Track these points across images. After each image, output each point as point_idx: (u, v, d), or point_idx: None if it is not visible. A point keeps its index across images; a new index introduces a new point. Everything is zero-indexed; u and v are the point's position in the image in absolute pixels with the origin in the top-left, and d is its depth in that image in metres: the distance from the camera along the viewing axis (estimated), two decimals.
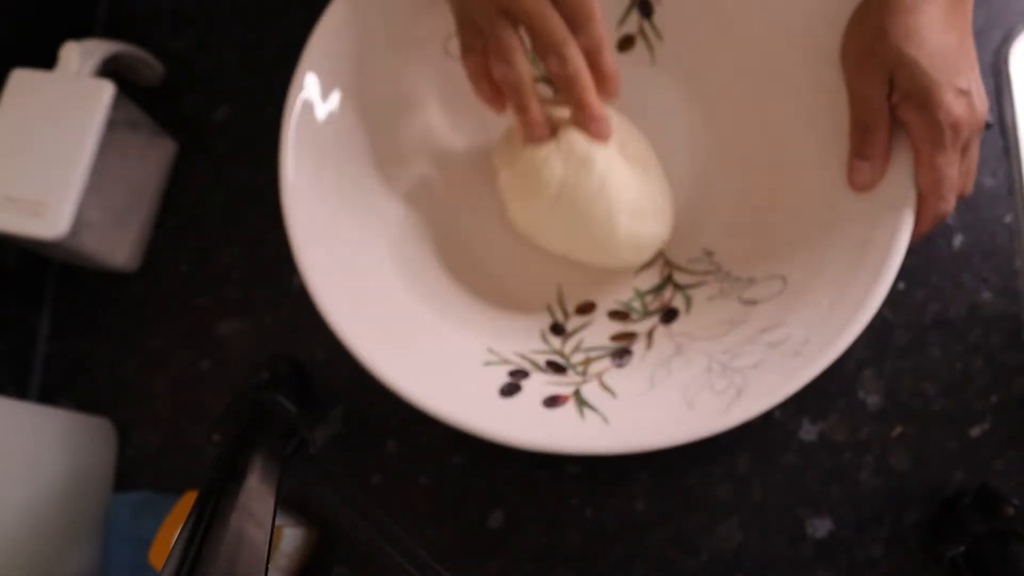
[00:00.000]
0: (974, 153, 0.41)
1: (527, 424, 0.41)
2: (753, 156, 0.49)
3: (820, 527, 0.48)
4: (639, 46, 0.52)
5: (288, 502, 0.49)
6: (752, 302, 0.45)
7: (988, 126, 0.41)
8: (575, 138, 0.44)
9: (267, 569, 0.31)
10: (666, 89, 0.51)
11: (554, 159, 0.44)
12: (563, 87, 0.43)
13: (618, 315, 0.48)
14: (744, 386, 0.40)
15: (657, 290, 0.49)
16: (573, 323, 0.48)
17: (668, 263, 0.49)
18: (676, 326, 0.46)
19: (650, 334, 0.47)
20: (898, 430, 0.48)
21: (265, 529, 0.33)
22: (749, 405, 0.39)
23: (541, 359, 0.46)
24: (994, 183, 0.51)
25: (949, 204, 0.41)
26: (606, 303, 0.49)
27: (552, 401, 0.43)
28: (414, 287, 0.47)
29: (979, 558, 0.44)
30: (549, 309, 0.49)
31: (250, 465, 0.37)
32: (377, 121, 0.49)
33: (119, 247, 0.56)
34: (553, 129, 0.45)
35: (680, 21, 0.50)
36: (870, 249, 0.41)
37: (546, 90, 0.49)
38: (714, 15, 0.49)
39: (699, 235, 0.49)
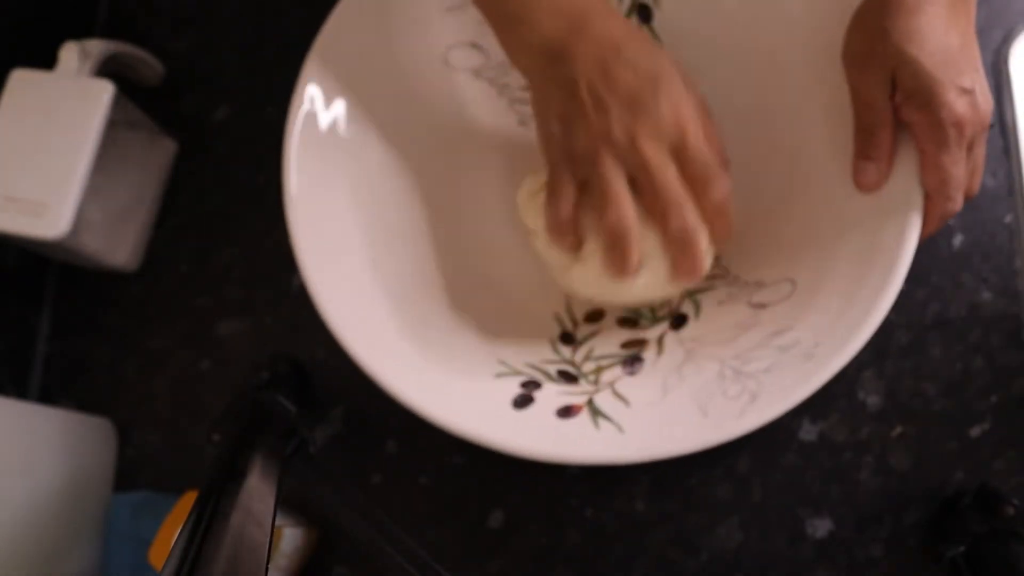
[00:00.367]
0: (980, 152, 0.41)
1: (543, 436, 0.41)
2: (757, 158, 0.49)
3: (820, 527, 0.48)
4: None
5: (288, 502, 0.49)
6: (761, 306, 0.45)
7: (990, 126, 0.41)
8: None
9: (267, 569, 0.31)
10: None
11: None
12: (672, 243, 0.41)
13: (627, 322, 0.48)
14: (758, 391, 0.40)
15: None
16: (582, 331, 0.48)
17: None
18: (686, 332, 0.46)
19: (660, 340, 0.46)
20: (898, 430, 0.48)
21: (265, 529, 0.33)
22: (764, 409, 0.39)
23: (552, 369, 0.46)
24: (994, 183, 0.51)
25: (956, 204, 0.41)
26: (615, 310, 0.49)
27: (566, 411, 0.43)
28: (419, 298, 0.47)
29: (979, 558, 0.44)
30: (558, 318, 0.49)
31: (250, 465, 0.37)
32: (378, 130, 0.49)
33: (119, 247, 0.56)
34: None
35: (679, 25, 0.50)
36: (879, 250, 0.41)
37: None
38: (713, 18, 0.49)
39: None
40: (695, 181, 0.40)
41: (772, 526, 0.48)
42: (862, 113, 0.42)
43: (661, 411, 0.42)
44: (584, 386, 0.44)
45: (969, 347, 0.49)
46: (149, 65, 0.59)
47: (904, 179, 0.42)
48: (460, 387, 0.43)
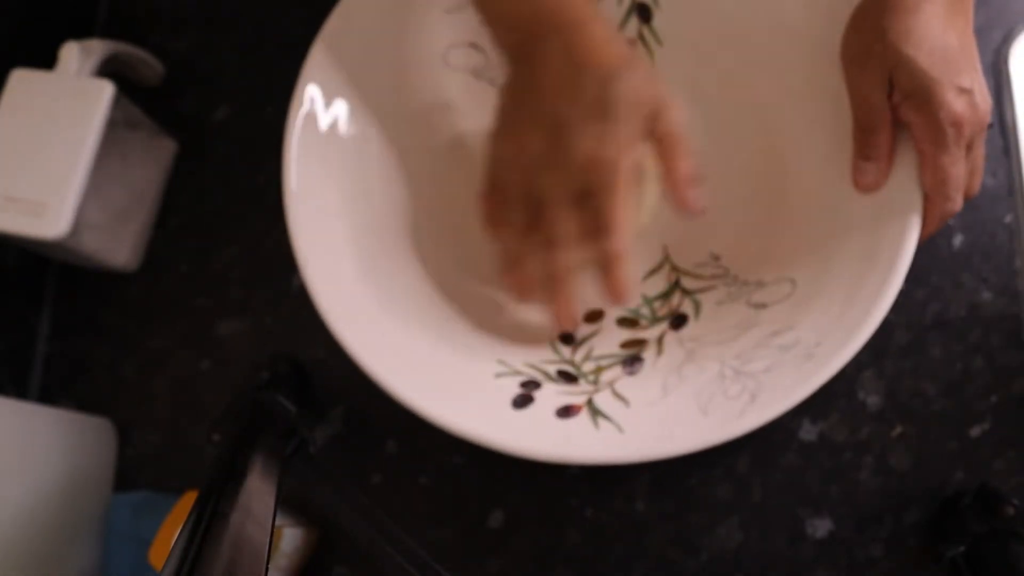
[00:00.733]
0: (979, 152, 0.41)
1: (542, 436, 0.41)
2: (757, 159, 0.49)
3: (820, 527, 0.48)
4: (639, 51, 0.52)
5: (288, 502, 0.49)
6: (761, 306, 0.45)
7: (989, 126, 0.41)
8: None
9: (267, 569, 0.31)
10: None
11: None
12: (541, 278, 0.41)
13: (627, 322, 0.48)
14: (758, 391, 0.40)
15: (665, 296, 0.48)
16: (582, 331, 0.48)
17: (675, 268, 0.49)
18: (686, 332, 0.46)
19: (660, 340, 0.46)
20: (898, 430, 0.48)
21: (265, 529, 0.33)
22: (764, 409, 0.39)
23: (552, 369, 0.46)
24: (994, 183, 0.51)
25: (955, 204, 0.41)
26: (614, 310, 0.49)
27: (565, 411, 0.43)
28: (419, 298, 0.47)
29: (979, 558, 0.44)
30: None
31: (250, 465, 0.37)
32: (378, 129, 0.49)
33: (119, 247, 0.56)
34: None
35: (679, 26, 0.50)
36: (879, 249, 0.41)
37: None
38: (713, 19, 0.49)
39: (705, 239, 0.49)
40: (589, 226, 0.39)
41: (772, 526, 0.48)
42: (860, 113, 0.42)
43: (661, 411, 0.42)
44: (584, 386, 0.44)
45: (969, 347, 0.49)
46: (149, 65, 0.59)
47: (904, 179, 0.42)
48: (460, 387, 0.43)
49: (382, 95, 0.49)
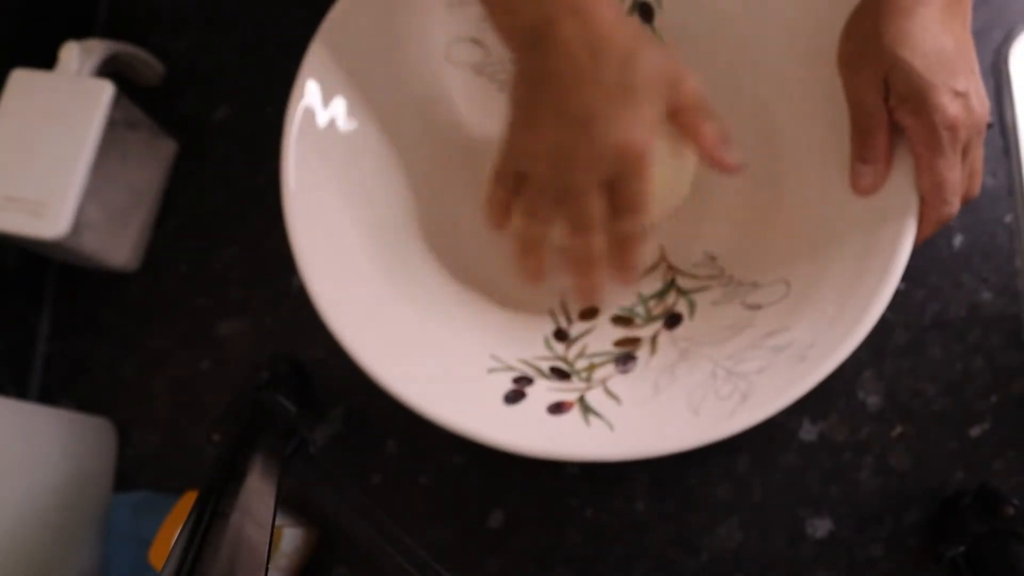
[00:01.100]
0: (977, 155, 0.41)
1: (532, 432, 0.41)
2: (755, 160, 0.49)
3: (820, 527, 0.48)
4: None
5: (288, 502, 0.49)
6: (756, 306, 0.45)
7: (989, 126, 0.41)
8: None
9: (267, 569, 0.31)
10: None
11: None
12: (572, 260, 0.43)
13: (621, 320, 0.48)
14: (749, 391, 0.40)
15: (660, 295, 0.48)
16: (576, 329, 0.48)
17: (671, 267, 0.49)
18: (680, 331, 0.46)
19: (654, 339, 0.46)
20: (898, 430, 0.48)
21: (265, 529, 0.33)
22: (754, 410, 0.39)
23: (545, 365, 0.46)
24: (994, 183, 0.51)
25: (952, 207, 0.41)
26: (609, 308, 0.49)
27: (557, 408, 0.43)
28: (416, 294, 0.47)
29: (979, 558, 0.44)
30: (552, 315, 0.49)
31: (250, 465, 0.37)
32: (377, 126, 0.49)
33: (119, 247, 0.56)
34: None
35: (680, 25, 0.50)
36: (874, 252, 0.41)
37: None
38: (714, 19, 0.49)
39: (701, 239, 0.49)
40: (615, 206, 0.41)
41: (772, 526, 0.48)
42: (858, 116, 0.42)
43: (652, 410, 0.42)
44: (576, 383, 0.45)
45: (969, 347, 0.49)
46: (149, 65, 0.59)
47: (899, 183, 0.42)
48: (453, 382, 0.44)
49: (382, 91, 0.49)
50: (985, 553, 0.43)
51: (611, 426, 0.41)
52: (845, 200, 0.44)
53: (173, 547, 0.30)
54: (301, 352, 0.52)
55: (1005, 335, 0.49)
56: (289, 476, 0.41)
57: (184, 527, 0.31)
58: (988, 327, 0.49)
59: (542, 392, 0.44)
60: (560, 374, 0.45)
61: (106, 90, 0.51)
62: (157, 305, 0.57)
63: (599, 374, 0.45)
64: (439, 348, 0.45)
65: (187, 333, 0.56)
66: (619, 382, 0.44)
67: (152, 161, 0.58)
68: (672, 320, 0.47)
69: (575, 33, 0.38)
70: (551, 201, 0.41)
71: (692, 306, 0.47)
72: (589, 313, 0.49)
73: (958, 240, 0.51)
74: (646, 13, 0.51)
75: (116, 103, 0.51)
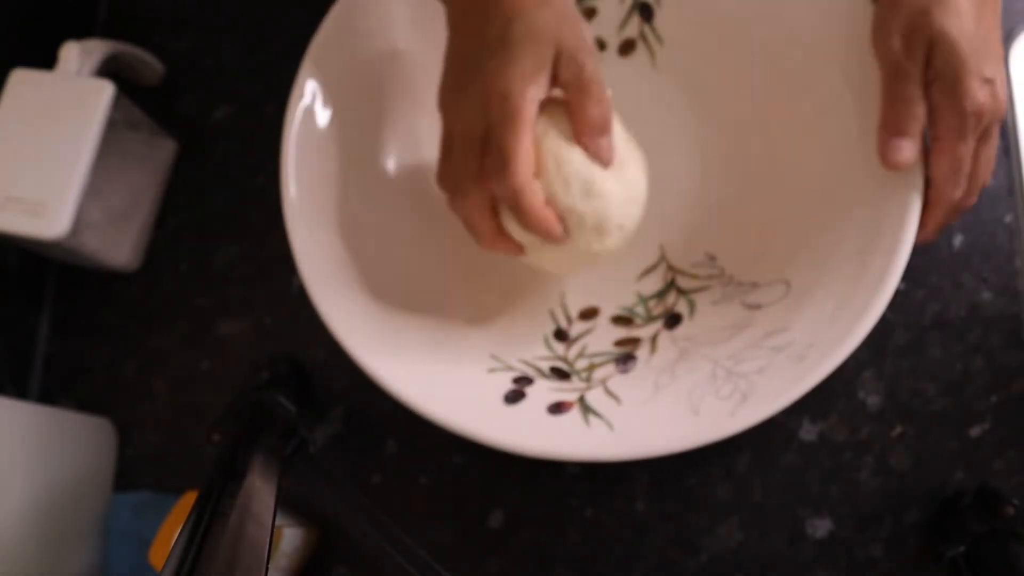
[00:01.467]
0: (994, 143, 0.41)
1: (532, 432, 0.41)
2: (755, 159, 0.49)
3: (820, 527, 0.48)
4: (640, 50, 0.52)
5: (288, 502, 0.49)
6: (756, 307, 0.45)
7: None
8: (570, 161, 0.41)
9: (267, 569, 0.31)
10: (667, 93, 0.51)
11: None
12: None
13: (621, 320, 0.48)
14: (749, 391, 0.40)
15: (660, 295, 0.48)
16: (576, 329, 0.48)
17: (671, 267, 0.49)
18: (680, 331, 0.46)
19: (654, 339, 0.46)
20: (898, 430, 0.48)
21: (265, 529, 0.33)
22: (754, 410, 0.39)
23: (545, 365, 0.46)
24: (994, 183, 0.51)
25: (961, 191, 0.40)
26: (609, 308, 0.49)
27: (557, 408, 0.43)
28: (415, 294, 0.47)
29: (979, 558, 0.44)
30: (552, 315, 0.49)
31: (250, 465, 0.37)
32: (376, 127, 0.49)
33: (119, 247, 0.56)
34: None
35: (681, 25, 0.50)
36: (874, 252, 0.41)
37: None
38: (714, 19, 0.49)
39: (701, 239, 0.49)
40: (488, 166, 0.39)
41: (772, 526, 0.48)
42: (898, 86, 0.40)
43: (652, 410, 0.42)
44: (576, 383, 0.45)
45: (969, 347, 0.49)
46: (149, 65, 0.59)
47: (900, 181, 0.42)
48: (454, 383, 0.44)
49: (382, 90, 0.49)
50: (985, 553, 0.43)
51: (611, 426, 0.41)
52: (844, 199, 0.44)
53: (173, 547, 0.30)
54: (301, 352, 0.52)
55: (1005, 335, 0.49)
56: (289, 476, 0.41)
57: (184, 527, 0.31)
58: (988, 327, 0.49)
59: (542, 392, 0.44)
60: (560, 374, 0.45)
61: (106, 90, 0.51)
62: (157, 305, 0.57)
63: (599, 374, 0.45)
64: (439, 348, 0.45)
65: (187, 333, 0.56)
66: (619, 382, 0.44)
67: (152, 161, 0.58)
68: (672, 320, 0.47)
69: (487, 5, 0.39)
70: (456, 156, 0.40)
71: (692, 306, 0.47)
72: (589, 313, 0.49)
73: (958, 240, 0.51)
74: (646, 13, 0.51)
75: (116, 103, 0.51)
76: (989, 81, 0.38)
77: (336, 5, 0.48)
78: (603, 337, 0.47)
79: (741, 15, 0.48)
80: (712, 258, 0.49)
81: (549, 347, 0.47)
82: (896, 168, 0.40)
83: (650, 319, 0.48)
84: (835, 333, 0.40)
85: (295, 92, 0.47)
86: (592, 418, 0.42)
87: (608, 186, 0.40)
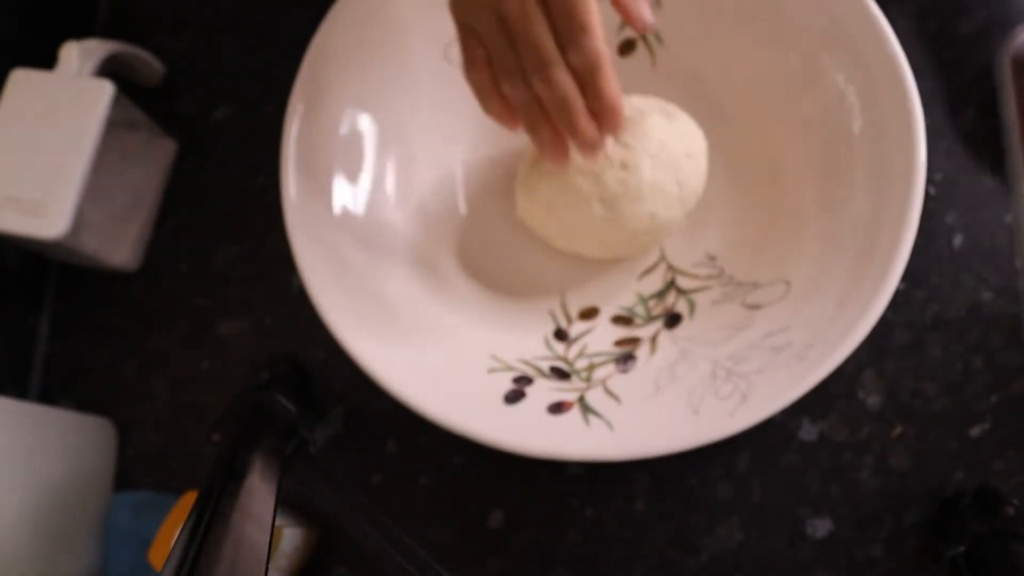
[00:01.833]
0: None
1: (532, 431, 0.41)
2: (755, 159, 0.49)
3: (820, 527, 0.48)
4: (640, 50, 0.52)
5: (288, 502, 0.49)
6: (756, 307, 0.45)
7: None
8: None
9: (267, 569, 0.31)
10: (667, 93, 0.51)
11: (591, 174, 0.44)
12: (553, 113, 0.38)
13: (621, 320, 0.48)
14: (749, 391, 0.40)
15: (660, 295, 0.49)
16: (576, 329, 0.48)
17: (671, 267, 0.49)
18: (680, 331, 0.46)
19: (654, 339, 0.46)
20: (898, 430, 0.48)
21: (265, 529, 0.33)
22: (754, 410, 0.39)
23: (545, 365, 0.46)
24: (994, 183, 0.51)
25: None
26: (609, 308, 0.49)
27: (557, 408, 0.43)
28: (416, 295, 0.47)
29: (979, 558, 0.44)
30: (552, 315, 0.49)
31: (250, 465, 0.37)
32: (377, 126, 0.49)
33: (119, 247, 0.56)
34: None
35: (681, 25, 0.50)
36: (874, 252, 0.41)
37: None
38: (715, 19, 0.49)
39: (702, 239, 0.49)
40: (560, 33, 0.36)
41: (772, 526, 0.48)
42: None
43: (652, 410, 0.42)
44: (576, 383, 0.45)
45: (969, 347, 0.49)
46: (149, 65, 0.59)
47: (900, 181, 0.42)
48: (454, 382, 0.44)
49: (382, 91, 0.49)
50: (985, 553, 0.43)
51: (611, 426, 0.41)
52: (844, 199, 0.44)
53: (173, 547, 0.30)
54: (301, 352, 0.52)
55: (1005, 335, 0.49)
56: (289, 476, 0.41)
57: (184, 527, 0.31)
58: (988, 327, 0.49)
59: (542, 392, 0.44)
60: (560, 374, 0.45)
61: (106, 90, 0.51)
62: (157, 305, 0.57)
63: (599, 374, 0.45)
64: (439, 348, 0.45)
65: (187, 333, 0.56)
66: (619, 382, 0.44)
67: (152, 161, 0.58)
68: (672, 320, 0.47)
69: None
70: (508, 52, 0.37)
71: (692, 306, 0.47)
72: (589, 313, 0.49)
73: (958, 240, 0.51)
74: None
75: (116, 103, 0.51)
76: None
77: (336, 5, 0.48)
78: (603, 337, 0.47)
79: (741, 15, 0.48)
80: (712, 258, 0.49)
81: (549, 347, 0.47)
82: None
83: (650, 319, 0.48)
84: (835, 333, 0.40)
85: (295, 92, 0.47)
86: (592, 418, 0.42)
87: (647, 174, 0.43)
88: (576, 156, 0.42)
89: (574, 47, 0.36)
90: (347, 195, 0.48)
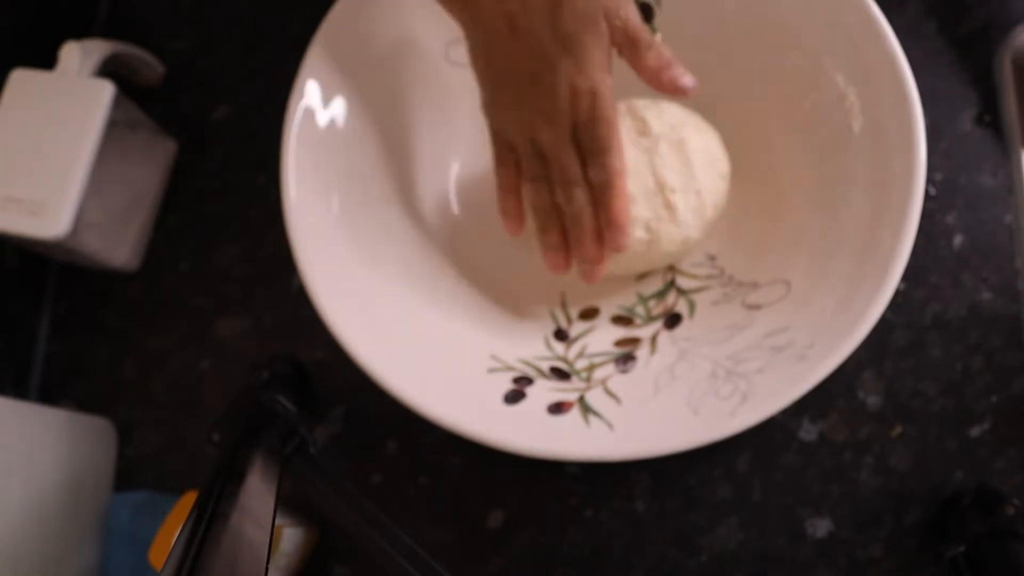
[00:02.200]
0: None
1: (532, 431, 0.41)
2: (755, 159, 0.49)
3: (820, 527, 0.48)
4: None
5: (288, 502, 0.49)
6: (756, 307, 0.45)
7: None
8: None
9: (267, 569, 0.31)
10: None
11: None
12: (567, 223, 0.42)
13: (621, 320, 0.48)
14: (749, 391, 0.40)
15: (660, 295, 0.49)
16: (576, 329, 0.48)
17: (671, 267, 0.49)
18: (680, 331, 0.46)
19: (654, 339, 0.46)
20: (898, 430, 0.48)
21: (265, 529, 0.33)
22: (754, 410, 0.39)
23: (545, 365, 0.46)
24: (994, 183, 0.51)
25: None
26: (609, 308, 0.49)
27: (556, 408, 0.43)
28: (416, 295, 0.47)
29: (979, 558, 0.44)
30: (552, 315, 0.49)
31: (250, 465, 0.37)
32: (377, 127, 0.49)
33: (119, 247, 0.56)
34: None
35: (680, 25, 0.50)
36: (874, 252, 0.41)
37: None
38: (714, 19, 0.49)
39: (702, 239, 0.49)
40: (586, 150, 0.40)
41: (772, 526, 0.48)
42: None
43: (652, 410, 0.42)
44: (576, 383, 0.45)
45: (969, 347, 0.49)
46: (149, 65, 0.59)
47: (900, 181, 0.42)
48: (453, 382, 0.44)
49: (382, 90, 0.49)
50: (985, 553, 0.43)
51: (611, 426, 0.41)
52: (844, 199, 0.44)
53: (173, 547, 0.30)
54: (301, 352, 0.52)
55: (1005, 335, 0.49)
56: (289, 476, 0.41)
57: (184, 527, 0.31)
58: (988, 327, 0.49)
59: (542, 392, 0.44)
60: (560, 374, 0.45)
61: (106, 90, 0.51)
62: (157, 305, 0.57)
63: (599, 374, 0.45)
64: (439, 348, 0.45)
65: (187, 333, 0.56)
66: (619, 382, 0.44)
67: (152, 161, 0.58)
68: (672, 320, 0.47)
69: None
70: (538, 165, 0.41)
71: (692, 306, 0.47)
72: (589, 313, 0.49)
73: (958, 240, 0.51)
74: (646, 13, 0.51)
75: (116, 103, 0.51)
76: None
77: (337, 4, 0.48)
78: (603, 337, 0.47)
79: (741, 15, 0.48)
80: (712, 258, 0.49)
81: (549, 347, 0.47)
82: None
83: (650, 319, 0.48)
84: (835, 333, 0.40)
85: (295, 92, 0.47)
86: (592, 418, 0.42)
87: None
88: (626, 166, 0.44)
89: (595, 165, 0.40)
90: (347, 195, 0.48)
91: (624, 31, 0.39)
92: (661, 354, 0.45)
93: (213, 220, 0.58)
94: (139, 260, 0.58)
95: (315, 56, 0.47)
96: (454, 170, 0.52)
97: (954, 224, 0.51)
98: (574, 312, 0.49)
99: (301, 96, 0.47)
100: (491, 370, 0.45)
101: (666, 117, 0.46)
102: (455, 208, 0.52)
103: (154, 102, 0.58)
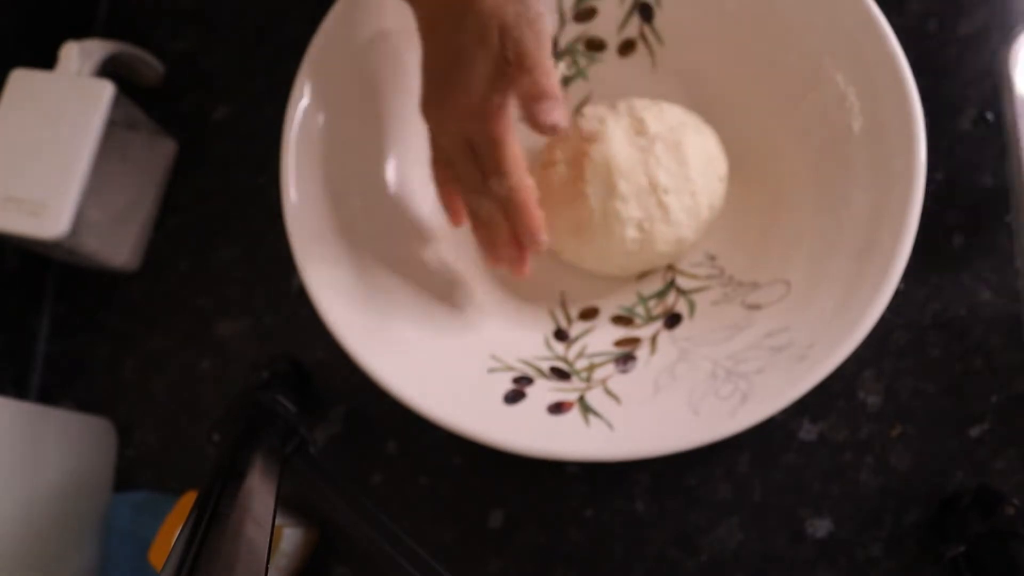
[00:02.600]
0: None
1: (532, 431, 0.41)
2: (755, 158, 0.49)
3: (820, 527, 0.48)
4: (640, 50, 0.52)
5: (288, 502, 0.48)
6: (756, 307, 0.45)
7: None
8: (599, 164, 0.45)
9: (267, 569, 0.31)
10: (667, 93, 0.51)
11: (587, 191, 0.45)
12: (483, 225, 0.43)
13: (621, 320, 0.48)
14: (749, 391, 0.40)
15: (660, 295, 0.49)
16: (576, 329, 0.48)
17: (671, 267, 0.49)
18: (680, 331, 0.46)
19: (654, 339, 0.46)
20: (898, 430, 0.48)
21: (265, 529, 0.33)
22: (754, 410, 0.39)
23: (545, 365, 0.46)
24: (994, 183, 0.51)
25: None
26: (609, 308, 0.49)
27: (557, 408, 0.43)
28: (415, 295, 0.47)
29: (979, 558, 0.44)
30: (552, 315, 0.49)
31: (250, 465, 0.37)
32: (377, 127, 0.49)
33: (119, 247, 0.56)
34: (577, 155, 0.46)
35: (681, 25, 0.50)
36: (874, 252, 0.41)
37: None
38: (715, 19, 0.49)
39: (702, 239, 0.49)
40: (483, 169, 0.41)
41: (772, 526, 0.48)
42: None
43: (652, 410, 0.42)
44: (576, 383, 0.45)
45: (969, 347, 0.49)
46: (149, 65, 0.59)
47: (900, 181, 0.42)
48: (453, 382, 0.44)
49: (382, 90, 0.49)
50: (985, 553, 0.43)
51: (611, 426, 0.41)
52: (844, 198, 0.44)
53: (173, 547, 0.30)
54: (301, 352, 0.52)
55: (1005, 335, 0.49)
56: (289, 476, 0.41)
57: (184, 527, 0.31)
58: (988, 327, 0.49)
59: (542, 392, 0.44)
60: (560, 374, 0.45)
61: (106, 90, 0.51)
62: (157, 305, 0.57)
63: (599, 374, 0.45)
64: (439, 348, 0.45)
65: (187, 333, 0.56)
66: (619, 382, 0.44)
67: (152, 161, 0.58)
68: (672, 320, 0.47)
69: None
70: (463, 162, 0.42)
71: (692, 306, 0.47)
72: (589, 313, 0.49)
73: (958, 240, 0.51)
74: (646, 13, 0.51)
75: (116, 103, 0.51)
76: None
77: (336, 5, 0.48)
78: (603, 337, 0.47)
79: (741, 15, 0.48)
80: (712, 258, 0.49)
81: (549, 347, 0.47)
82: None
83: (650, 319, 0.48)
84: (835, 333, 0.40)
85: (295, 92, 0.47)
86: (592, 418, 0.42)
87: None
88: (620, 165, 0.45)
89: (493, 180, 0.41)
90: (347, 195, 0.48)
91: (515, 51, 0.38)
92: (661, 354, 0.45)
93: (213, 220, 0.58)
94: (139, 260, 0.58)
95: (315, 56, 0.47)
96: None
97: (954, 224, 0.51)
98: (574, 312, 0.49)
99: (301, 96, 0.47)
100: (491, 370, 0.45)
101: (665, 118, 0.46)
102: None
103: (154, 102, 0.58)
